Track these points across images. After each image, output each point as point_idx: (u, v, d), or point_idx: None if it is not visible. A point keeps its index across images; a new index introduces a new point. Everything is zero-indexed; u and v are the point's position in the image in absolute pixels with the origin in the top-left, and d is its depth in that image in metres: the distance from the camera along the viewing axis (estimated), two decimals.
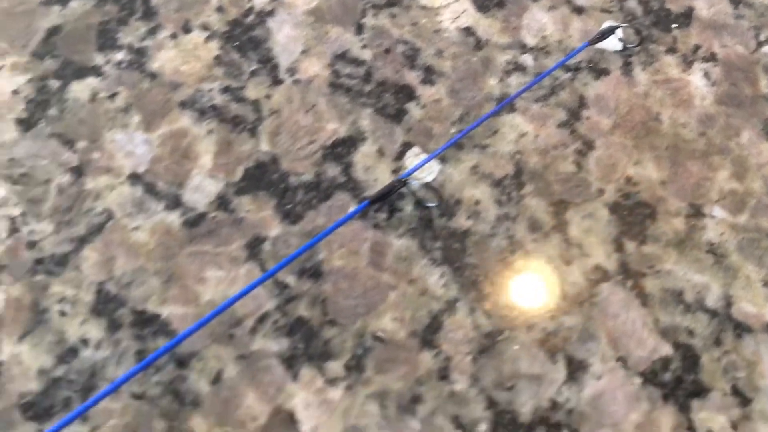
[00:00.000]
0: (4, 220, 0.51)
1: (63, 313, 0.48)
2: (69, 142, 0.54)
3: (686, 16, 0.64)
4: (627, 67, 0.62)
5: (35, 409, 0.46)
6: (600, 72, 0.61)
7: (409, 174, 0.54)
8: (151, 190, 0.53)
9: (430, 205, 0.54)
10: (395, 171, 0.56)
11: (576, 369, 0.50)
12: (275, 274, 0.50)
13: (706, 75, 0.62)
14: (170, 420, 0.46)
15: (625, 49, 0.63)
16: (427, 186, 0.54)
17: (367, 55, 0.60)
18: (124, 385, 0.46)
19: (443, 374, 0.49)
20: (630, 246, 0.54)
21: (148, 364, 0.46)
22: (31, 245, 0.50)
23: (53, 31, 0.58)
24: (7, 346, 0.47)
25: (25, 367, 0.47)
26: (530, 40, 0.62)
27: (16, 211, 0.51)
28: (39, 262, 0.50)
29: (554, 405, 0.49)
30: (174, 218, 0.52)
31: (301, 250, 0.50)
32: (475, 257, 0.53)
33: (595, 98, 0.60)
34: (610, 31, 0.62)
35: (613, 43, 0.62)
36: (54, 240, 0.51)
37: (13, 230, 0.51)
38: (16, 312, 0.48)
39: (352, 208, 0.54)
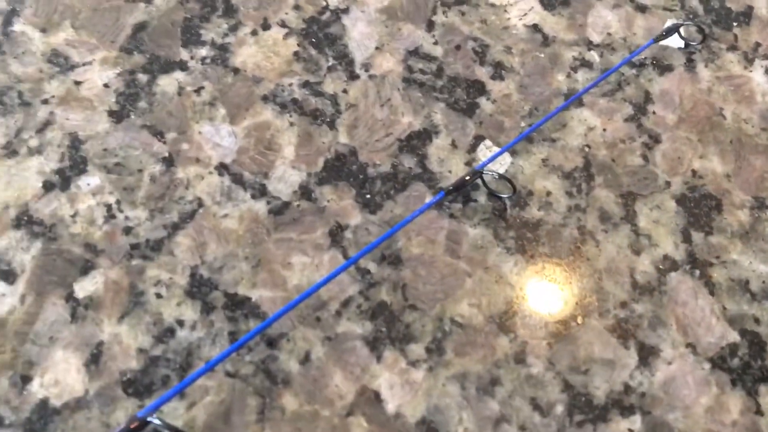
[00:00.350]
0: (101, 207, 0.54)
1: (159, 296, 0.51)
2: (159, 134, 0.57)
3: (746, 15, 0.66)
4: (690, 64, 0.64)
5: (136, 385, 0.49)
6: (664, 68, 0.63)
7: (483, 166, 0.56)
8: (238, 179, 0.56)
9: (503, 196, 0.56)
10: (468, 163, 0.58)
11: (647, 354, 0.52)
12: (357, 261, 0.53)
13: (767, 72, 0.63)
14: (263, 397, 0.49)
15: (687, 46, 0.64)
16: (501, 178, 0.56)
17: (438, 51, 0.63)
18: (219, 364, 0.49)
19: (520, 358, 0.51)
20: (697, 237, 0.56)
21: (241, 344, 0.48)
22: (127, 231, 0.53)
23: (139, 27, 0.61)
24: (108, 326, 0.50)
25: (124, 347, 0.50)
26: (596, 38, 0.64)
27: (111, 199, 0.54)
28: (135, 247, 0.53)
29: (627, 388, 0.51)
30: (261, 206, 0.55)
31: (382, 238, 0.52)
32: (548, 246, 0.55)
33: (660, 94, 0.62)
34: (674, 29, 0.63)
35: (676, 41, 0.64)
36: (148, 226, 0.54)
37: (110, 217, 0.54)
38: (114, 294, 0.51)
39: (428, 198, 0.56)
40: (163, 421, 0.44)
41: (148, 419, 0.44)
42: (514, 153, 0.58)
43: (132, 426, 0.43)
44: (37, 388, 0.48)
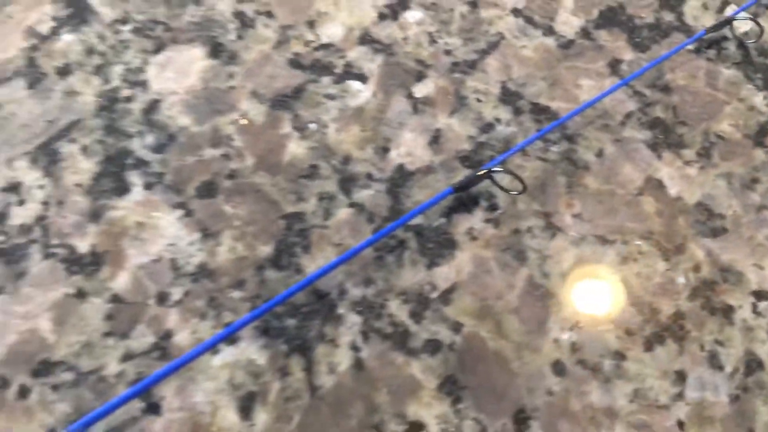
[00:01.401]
0: (425, 35, 0.68)
1: (478, 100, 0.65)
2: None
3: None
4: None
5: (469, 161, 0.62)
6: None
7: (734, 14, 0.68)
8: (529, 21, 0.69)
9: (749, 42, 0.68)
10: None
11: None
12: (630, 82, 0.66)
13: None
14: (569, 177, 0.62)
15: None
16: (745, 33, 0.68)
17: None
18: (532, 150, 0.62)
19: None
20: None
21: (549, 130, 0.61)
22: (447, 53, 0.67)
23: None
24: (441, 119, 0.64)
25: (456, 133, 0.63)
26: None
27: (432, 29, 0.68)
28: (455, 64, 0.67)
29: None
30: (550, 42, 0.68)
31: (654, 63, 0.65)
32: None
33: None
34: None
35: None
36: (463, 51, 0.67)
37: (432, 41, 0.68)
38: (443, 96, 0.65)
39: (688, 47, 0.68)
40: (505, 168, 0.57)
41: (492, 170, 0.58)
42: (756, 16, 0.70)
43: (479, 175, 0.57)
44: (394, 156, 0.61)
